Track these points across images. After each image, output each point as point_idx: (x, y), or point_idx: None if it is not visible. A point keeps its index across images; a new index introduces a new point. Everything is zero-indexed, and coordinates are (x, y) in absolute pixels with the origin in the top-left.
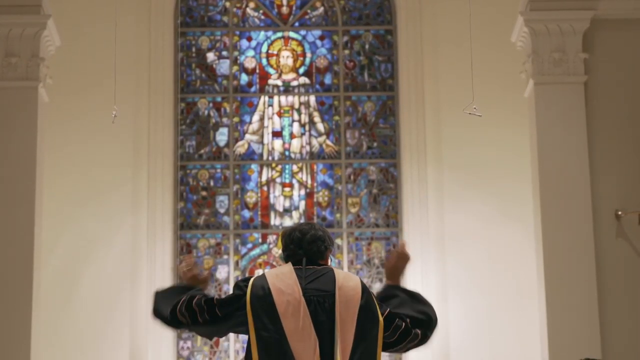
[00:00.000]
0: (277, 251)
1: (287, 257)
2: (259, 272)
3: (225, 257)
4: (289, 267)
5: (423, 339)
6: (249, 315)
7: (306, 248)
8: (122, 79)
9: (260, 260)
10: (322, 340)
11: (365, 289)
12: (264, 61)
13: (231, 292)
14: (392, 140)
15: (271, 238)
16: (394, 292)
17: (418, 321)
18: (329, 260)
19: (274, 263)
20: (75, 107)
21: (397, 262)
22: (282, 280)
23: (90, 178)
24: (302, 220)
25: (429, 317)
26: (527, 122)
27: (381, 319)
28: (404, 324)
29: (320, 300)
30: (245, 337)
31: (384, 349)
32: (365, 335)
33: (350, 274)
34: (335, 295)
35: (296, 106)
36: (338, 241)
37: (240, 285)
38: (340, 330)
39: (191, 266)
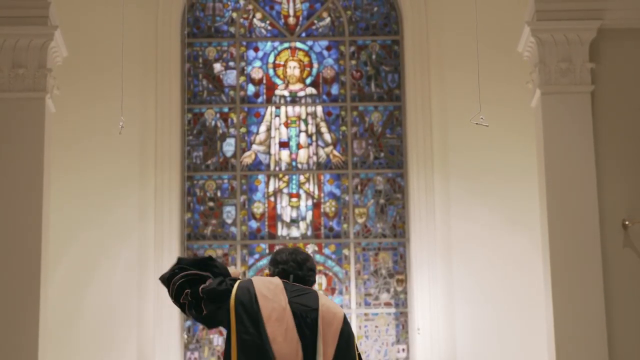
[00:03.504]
0: None
1: (280, 271)
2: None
3: (233, 267)
4: (277, 279)
5: None
6: (232, 317)
7: (305, 271)
8: (129, 90)
9: (267, 271)
10: (304, 351)
11: (347, 321)
12: (271, 72)
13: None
14: (399, 150)
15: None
16: None
17: None
18: None
19: None
20: (82, 118)
21: None
22: (269, 288)
23: (97, 188)
24: (310, 231)
25: None
26: (534, 132)
27: (356, 349)
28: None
29: (304, 314)
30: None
31: None
32: (345, 354)
33: (332, 301)
34: (319, 311)
35: (303, 116)
36: (345, 252)
37: (228, 282)
38: (324, 344)
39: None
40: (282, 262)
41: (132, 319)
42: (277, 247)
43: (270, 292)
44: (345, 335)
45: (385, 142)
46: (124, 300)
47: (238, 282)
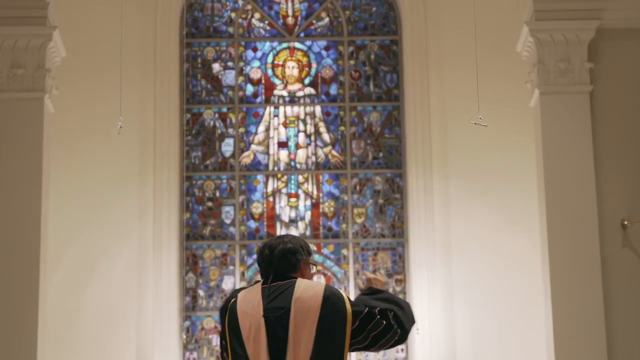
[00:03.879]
0: None
1: (261, 275)
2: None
3: (231, 267)
4: (257, 288)
5: (402, 337)
6: (228, 341)
7: (276, 264)
8: (127, 90)
9: None
10: (283, 354)
11: (329, 295)
12: (270, 72)
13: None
14: (398, 150)
15: None
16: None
17: (397, 317)
18: (310, 270)
19: None
20: (81, 118)
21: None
22: (249, 301)
23: (97, 188)
24: (309, 231)
25: (405, 312)
26: (532, 132)
27: (350, 321)
28: (384, 322)
29: (278, 318)
30: None
31: (360, 350)
32: (327, 343)
33: (315, 283)
34: (291, 310)
35: (302, 117)
36: (344, 252)
37: (223, 309)
38: (294, 343)
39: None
40: (258, 264)
41: (131, 319)
42: None
43: (249, 306)
44: (325, 322)
45: (384, 142)
46: (123, 301)
47: (231, 302)
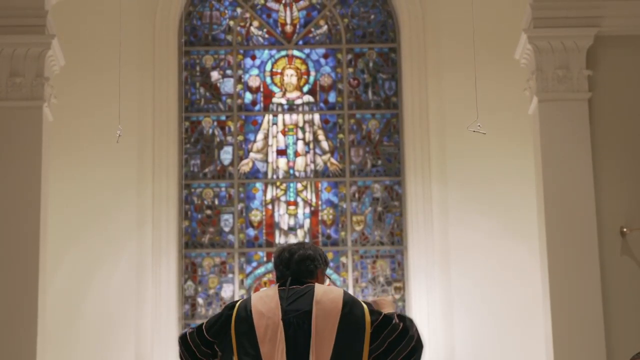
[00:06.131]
0: None
1: (277, 277)
2: (263, 290)
3: (230, 275)
4: (274, 289)
5: (417, 348)
6: (232, 338)
7: (294, 268)
8: (126, 98)
9: (265, 279)
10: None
11: (349, 301)
12: (268, 80)
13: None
14: (397, 158)
15: None
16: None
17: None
18: (325, 280)
19: None
20: (79, 127)
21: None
22: (265, 303)
23: (95, 196)
24: (307, 239)
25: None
26: (531, 139)
27: (368, 329)
28: (401, 324)
29: (300, 321)
30: None
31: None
32: (346, 348)
33: (333, 288)
34: (312, 312)
35: (300, 124)
36: (343, 259)
37: (229, 306)
38: (316, 345)
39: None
40: (275, 266)
41: (130, 327)
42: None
43: (266, 307)
44: (344, 326)
45: (383, 150)
46: (122, 308)
47: (239, 302)
